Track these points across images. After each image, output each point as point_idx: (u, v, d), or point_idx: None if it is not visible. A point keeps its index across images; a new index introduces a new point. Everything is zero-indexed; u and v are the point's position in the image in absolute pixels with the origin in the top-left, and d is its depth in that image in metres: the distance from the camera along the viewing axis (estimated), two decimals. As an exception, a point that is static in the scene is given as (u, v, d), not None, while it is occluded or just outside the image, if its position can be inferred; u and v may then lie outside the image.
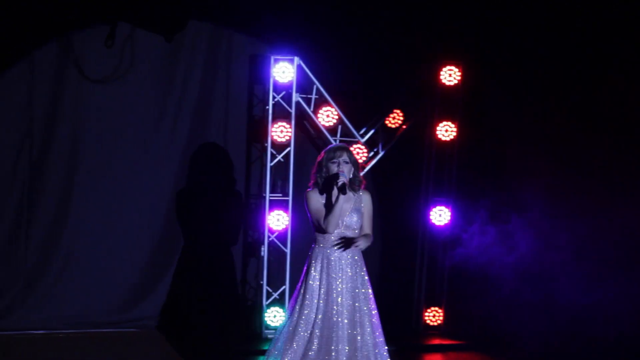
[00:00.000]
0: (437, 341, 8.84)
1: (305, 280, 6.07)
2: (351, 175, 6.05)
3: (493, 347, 8.53)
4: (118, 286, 8.83)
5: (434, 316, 9.10)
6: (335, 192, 5.94)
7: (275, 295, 8.73)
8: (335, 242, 6.02)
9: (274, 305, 8.71)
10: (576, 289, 8.15)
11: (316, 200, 6.04)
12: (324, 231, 5.99)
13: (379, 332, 6.02)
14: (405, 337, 8.97)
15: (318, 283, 6.02)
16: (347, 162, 6.02)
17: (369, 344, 5.95)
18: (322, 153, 6.11)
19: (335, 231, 6.02)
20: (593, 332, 8.09)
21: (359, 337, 5.95)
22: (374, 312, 6.04)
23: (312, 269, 6.05)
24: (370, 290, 6.07)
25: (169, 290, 8.93)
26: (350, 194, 6.06)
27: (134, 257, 8.86)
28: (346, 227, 6.04)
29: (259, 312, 8.82)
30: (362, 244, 5.99)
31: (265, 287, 8.70)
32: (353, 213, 6.04)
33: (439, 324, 9.09)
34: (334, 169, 5.98)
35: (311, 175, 6.14)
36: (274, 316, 8.68)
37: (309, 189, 6.10)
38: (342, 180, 5.88)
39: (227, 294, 9.10)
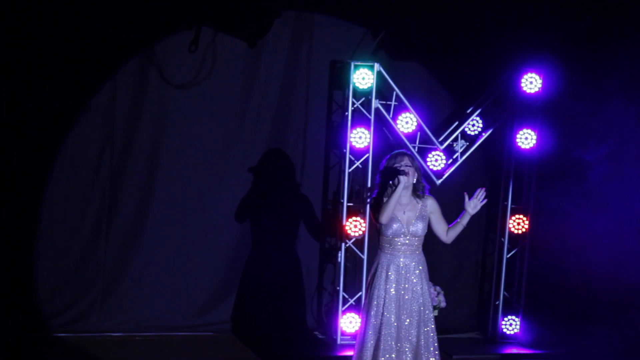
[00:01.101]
0: (514, 350, 8.79)
1: (370, 288, 6.20)
2: (414, 180, 6.12)
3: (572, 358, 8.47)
4: (196, 290, 8.85)
5: (510, 325, 9.03)
6: (397, 183, 6.08)
7: (352, 301, 8.73)
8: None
9: (350, 311, 8.71)
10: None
11: (378, 204, 6.16)
12: (388, 236, 6.12)
13: (435, 337, 6.20)
14: (482, 345, 8.94)
15: (384, 291, 6.12)
16: (409, 166, 6.14)
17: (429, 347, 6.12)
18: (384, 161, 6.24)
19: (400, 239, 6.11)
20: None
21: (422, 341, 6.10)
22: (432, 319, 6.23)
23: (378, 275, 6.17)
24: (429, 299, 6.21)
25: (245, 294, 8.94)
26: (414, 201, 6.19)
27: (212, 260, 8.87)
28: (412, 235, 6.16)
29: (334, 318, 8.82)
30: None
31: (341, 293, 8.70)
32: (418, 221, 6.16)
33: (515, 333, 9.03)
34: None
35: (375, 185, 6.28)
36: (350, 322, 8.67)
37: (373, 196, 6.25)
38: (404, 170, 6.07)
39: (303, 299, 9.10)
